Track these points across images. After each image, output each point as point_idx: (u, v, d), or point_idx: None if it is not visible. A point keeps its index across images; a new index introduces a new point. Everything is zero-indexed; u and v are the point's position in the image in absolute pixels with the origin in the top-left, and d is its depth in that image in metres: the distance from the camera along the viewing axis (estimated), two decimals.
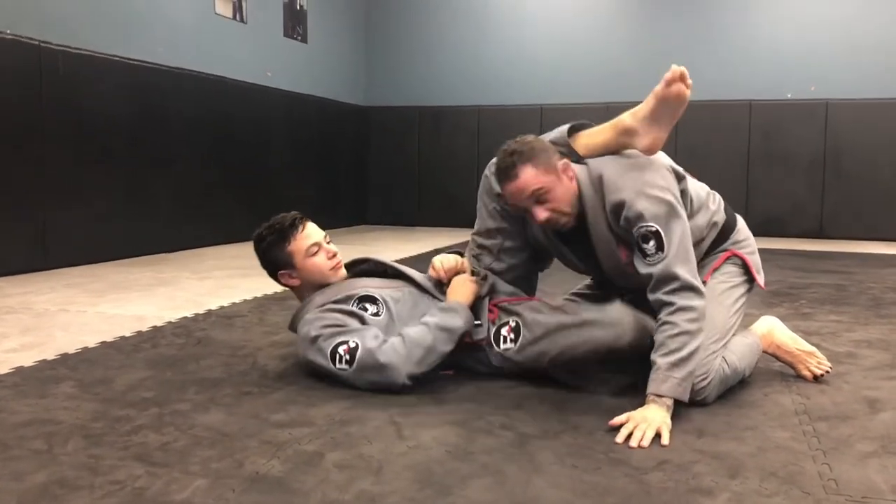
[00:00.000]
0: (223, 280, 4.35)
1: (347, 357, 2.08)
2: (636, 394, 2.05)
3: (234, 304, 3.55)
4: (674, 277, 1.95)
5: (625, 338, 2.04)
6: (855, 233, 7.59)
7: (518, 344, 2.16)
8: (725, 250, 2.22)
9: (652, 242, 1.97)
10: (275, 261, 2.34)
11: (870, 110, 7.51)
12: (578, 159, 2.14)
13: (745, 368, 2.15)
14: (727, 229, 2.24)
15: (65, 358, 2.52)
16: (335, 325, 2.16)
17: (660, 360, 1.90)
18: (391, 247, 6.53)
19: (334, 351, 2.10)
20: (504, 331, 2.20)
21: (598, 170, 2.09)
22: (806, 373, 2.26)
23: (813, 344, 2.40)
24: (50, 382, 2.22)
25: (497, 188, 2.27)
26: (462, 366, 2.25)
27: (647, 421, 1.79)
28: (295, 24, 7.65)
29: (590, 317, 2.08)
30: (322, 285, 2.34)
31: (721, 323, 2.10)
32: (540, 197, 2.05)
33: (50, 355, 2.55)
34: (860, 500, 1.45)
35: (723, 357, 2.06)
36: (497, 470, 1.58)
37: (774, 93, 7.79)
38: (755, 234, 2.39)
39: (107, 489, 1.47)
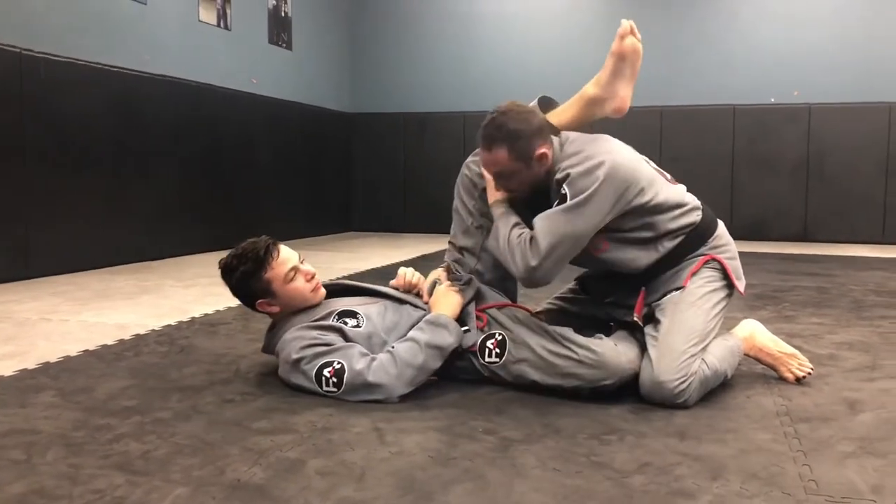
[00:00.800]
0: (208, 287, 4.33)
1: (334, 380, 2.06)
2: (621, 398, 2.06)
3: (218, 311, 3.53)
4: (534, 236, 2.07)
5: (611, 380, 2.05)
6: (838, 236, 7.66)
7: (503, 360, 2.17)
8: (704, 254, 2.21)
9: (556, 202, 2.08)
10: (252, 291, 2.26)
11: (852, 114, 7.58)
12: (555, 132, 2.19)
13: (725, 369, 2.15)
14: (705, 232, 2.23)
15: (46, 367, 2.49)
16: (316, 345, 2.12)
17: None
18: (377, 253, 6.52)
19: (319, 373, 2.07)
20: (490, 343, 2.19)
21: (565, 139, 2.19)
22: (788, 375, 2.27)
23: (795, 346, 2.41)
24: (30, 392, 2.20)
25: (478, 184, 2.31)
26: (446, 374, 2.23)
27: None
28: (280, 30, 7.64)
29: (578, 355, 2.06)
30: (303, 308, 2.29)
31: (700, 327, 2.11)
32: (501, 176, 2.16)
33: (31, 364, 2.52)
34: (840, 501, 1.46)
35: (702, 359, 2.07)
36: (479, 475, 1.58)
37: (758, 97, 7.85)
38: (740, 238, 2.41)
39: (86, 498, 1.46)
